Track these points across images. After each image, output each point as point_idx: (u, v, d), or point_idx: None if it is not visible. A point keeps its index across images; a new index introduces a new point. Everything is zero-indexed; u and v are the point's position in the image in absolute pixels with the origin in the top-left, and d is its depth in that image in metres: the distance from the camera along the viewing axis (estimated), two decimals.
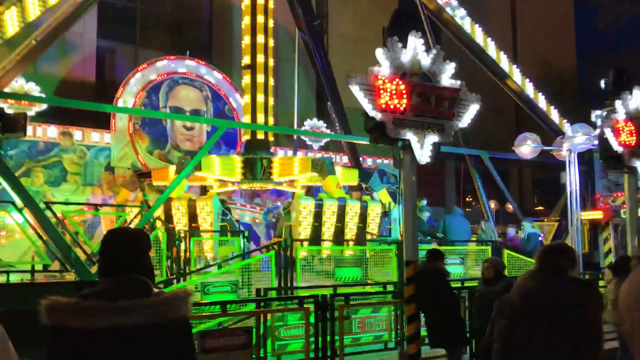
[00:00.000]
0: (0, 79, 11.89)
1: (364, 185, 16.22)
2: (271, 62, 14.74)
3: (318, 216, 12.94)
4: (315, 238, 12.71)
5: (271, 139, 15.21)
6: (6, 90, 12.77)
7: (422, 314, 6.85)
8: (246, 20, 14.63)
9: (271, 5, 14.77)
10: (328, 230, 13.06)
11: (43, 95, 15.60)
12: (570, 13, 36.24)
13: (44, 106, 15.80)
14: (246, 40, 14.58)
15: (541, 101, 16.72)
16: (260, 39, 14.46)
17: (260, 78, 14.38)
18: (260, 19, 14.47)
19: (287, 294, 8.70)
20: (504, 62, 16.33)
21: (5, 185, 8.72)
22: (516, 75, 16.51)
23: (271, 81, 14.73)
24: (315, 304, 6.71)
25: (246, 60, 14.58)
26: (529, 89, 16.58)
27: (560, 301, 3.12)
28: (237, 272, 9.30)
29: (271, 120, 14.76)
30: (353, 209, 13.49)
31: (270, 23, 14.69)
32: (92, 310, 2.19)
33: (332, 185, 13.82)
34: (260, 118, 14.32)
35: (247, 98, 14.59)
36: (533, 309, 3.16)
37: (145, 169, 16.32)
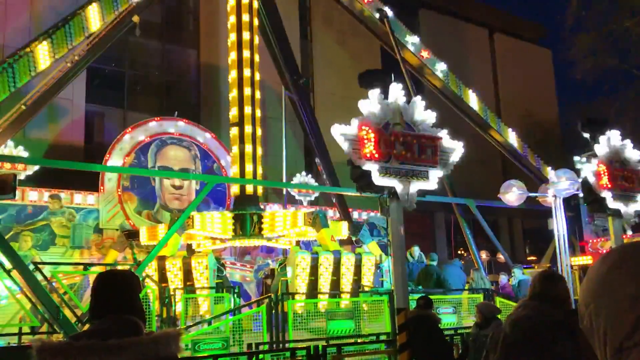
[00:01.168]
0: None
1: (353, 239, 16.23)
2: (258, 113, 14.91)
3: (314, 270, 12.87)
4: (312, 292, 12.62)
5: (260, 193, 15.25)
6: None
7: None
8: (233, 74, 14.94)
9: (257, 59, 15.11)
10: (325, 283, 12.97)
11: None
12: (550, 65, 37.42)
13: (32, 170, 15.91)
14: (233, 93, 14.80)
15: (524, 150, 17.05)
16: (247, 91, 14.68)
17: (248, 129, 14.52)
18: (246, 72, 14.76)
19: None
20: (486, 113, 16.74)
21: None
22: (498, 125, 16.90)
23: (259, 132, 14.87)
24: (308, 356, 6.63)
25: (233, 112, 14.71)
26: (512, 138, 16.94)
27: (551, 328, 3.09)
28: (228, 329, 9.18)
29: (260, 170, 14.82)
30: (348, 261, 13.48)
31: (257, 76, 14.97)
32: (83, 350, 2.21)
33: (326, 238, 13.76)
34: (249, 168, 14.38)
35: (235, 149, 14.70)
36: (524, 336, 3.13)
37: (134, 229, 16.27)
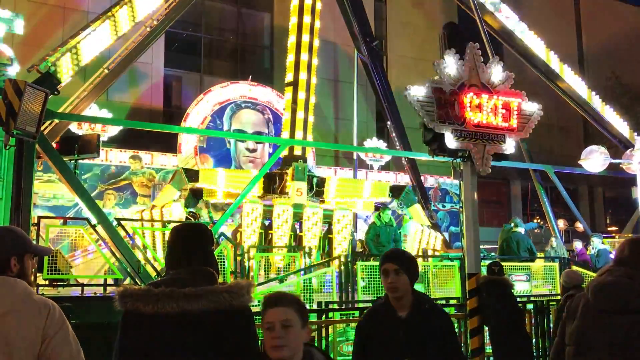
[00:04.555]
0: (75, 106, 12.57)
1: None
2: (314, 80, 14.70)
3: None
4: None
5: (307, 155, 14.97)
6: None
7: (487, 329, 6.72)
8: (292, 39, 14.73)
9: (317, 25, 14.89)
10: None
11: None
12: None
13: (115, 132, 16.61)
14: (290, 58, 14.64)
15: (609, 114, 16.18)
16: (304, 57, 14.42)
17: (301, 95, 14.26)
18: (305, 37, 14.53)
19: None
20: (567, 74, 15.93)
21: (81, 203, 9.23)
22: (581, 87, 16.06)
23: (312, 99, 14.69)
24: None
25: (289, 78, 14.53)
26: (596, 101, 16.07)
27: None
28: (299, 287, 9.39)
29: (310, 138, 14.64)
30: (437, 238, 14.23)
31: (316, 43, 14.77)
32: (162, 296, 2.33)
33: (419, 213, 14.48)
34: (299, 135, 14.18)
35: (287, 115, 14.49)
36: (609, 304, 2.89)
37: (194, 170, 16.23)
